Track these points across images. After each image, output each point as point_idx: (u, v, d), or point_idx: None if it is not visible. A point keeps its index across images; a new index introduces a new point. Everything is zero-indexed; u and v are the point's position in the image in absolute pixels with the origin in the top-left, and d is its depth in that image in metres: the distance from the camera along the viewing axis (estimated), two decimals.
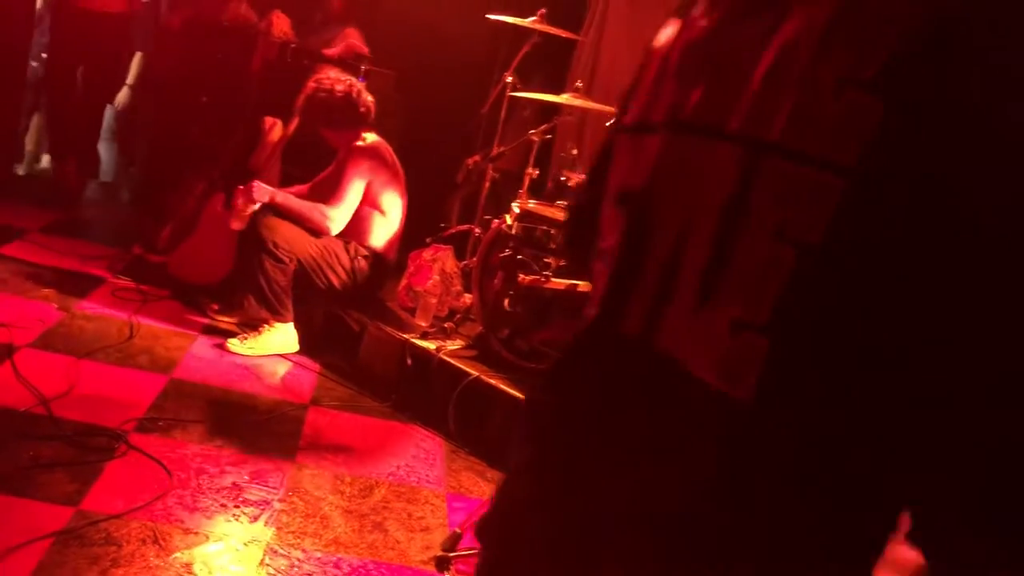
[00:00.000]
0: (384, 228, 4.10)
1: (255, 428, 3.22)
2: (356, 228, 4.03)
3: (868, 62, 0.75)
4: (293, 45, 5.07)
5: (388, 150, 4.18)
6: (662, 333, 0.87)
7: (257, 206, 3.90)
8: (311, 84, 4.07)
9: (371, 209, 4.05)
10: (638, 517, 0.87)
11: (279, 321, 3.91)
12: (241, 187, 3.93)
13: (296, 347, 4.00)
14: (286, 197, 3.95)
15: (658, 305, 0.88)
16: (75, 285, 4.11)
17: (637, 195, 0.94)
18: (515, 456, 1.05)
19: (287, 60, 4.96)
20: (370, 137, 4.14)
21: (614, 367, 0.95)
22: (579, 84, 4.07)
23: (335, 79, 4.08)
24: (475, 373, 3.46)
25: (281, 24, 5.21)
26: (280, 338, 3.93)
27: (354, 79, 4.20)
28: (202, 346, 3.84)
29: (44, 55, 5.75)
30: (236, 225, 3.94)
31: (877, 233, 0.74)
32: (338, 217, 3.93)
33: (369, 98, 4.11)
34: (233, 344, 3.87)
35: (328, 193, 4.01)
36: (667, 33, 0.99)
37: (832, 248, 0.75)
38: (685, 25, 0.96)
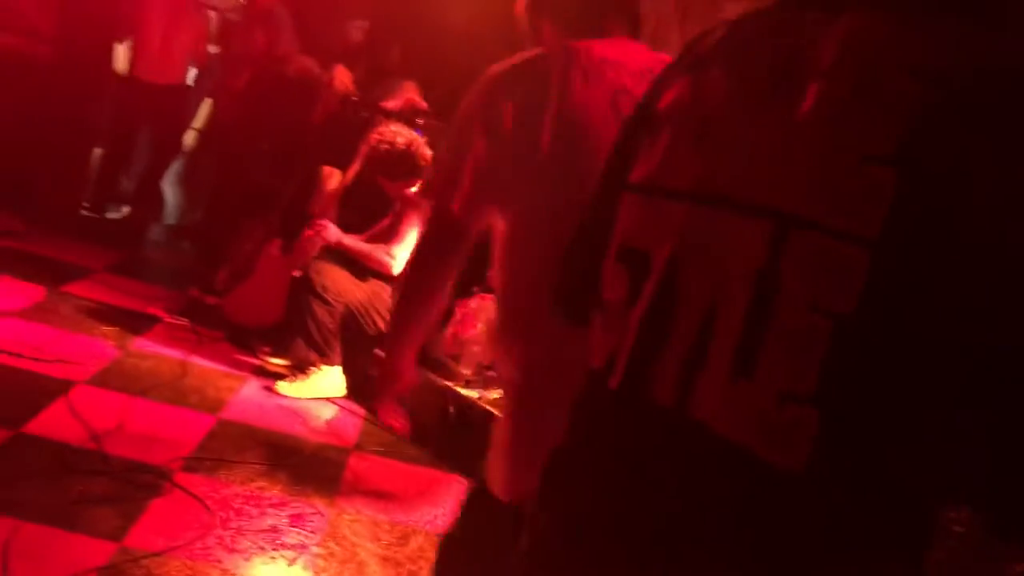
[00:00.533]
0: None
1: (298, 471, 3.26)
2: None
3: (885, 138, 0.79)
4: (354, 98, 5.23)
5: None
6: (696, 402, 0.88)
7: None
8: (374, 136, 4.19)
9: None
10: None
11: (326, 364, 3.98)
12: (311, 229, 4.06)
13: (343, 391, 4.05)
14: (352, 239, 4.10)
15: (690, 374, 0.89)
16: (133, 324, 4.24)
17: (658, 259, 0.95)
18: None
19: (347, 112, 5.11)
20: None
21: (641, 436, 0.95)
22: None
23: (397, 132, 4.20)
24: None
25: (343, 78, 5.38)
26: (327, 381, 4.00)
27: (414, 133, 4.31)
28: (252, 388, 3.92)
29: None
30: (298, 267, 4.07)
31: (908, 299, 0.77)
32: (400, 256, 4.04)
33: (428, 152, 4.21)
34: (281, 386, 3.94)
35: (386, 240, 4.12)
36: (679, 95, 1.00)
37: (866, 317, 0.78)
38: (701, 89, 0.98)
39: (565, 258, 1.17)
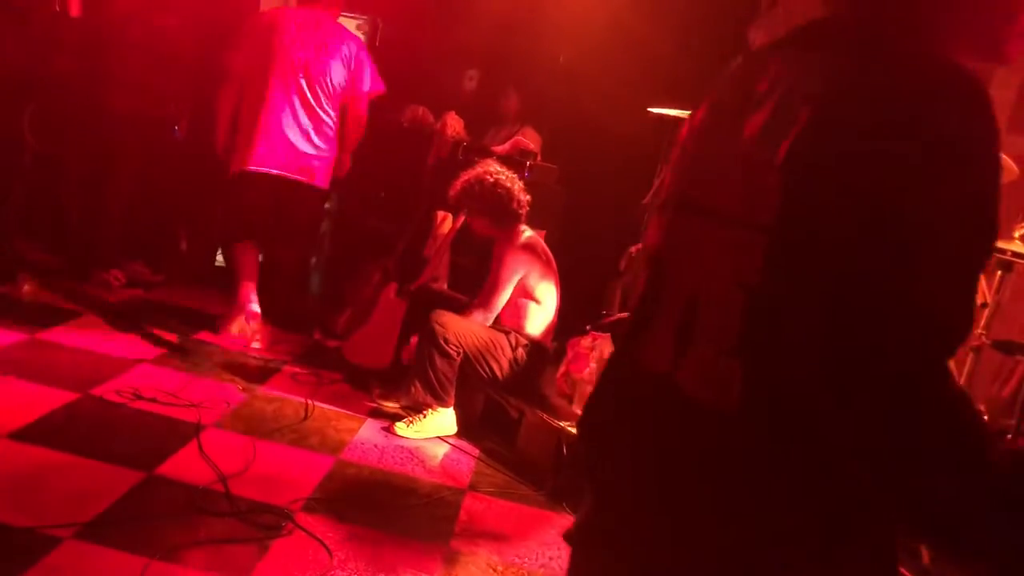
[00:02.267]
0: (540, 317, 4.18)
1: (414, 511, 3.30)
2: (514, 318, 4.14)
3: (778, 149, 1.03)
4: (465, 143, 5.34)
5: (541, 244, 4.29)
6: (681, 370, 1.12)
7: None
8: (470, 175, 4.26)
9: (527, 300, 4.15)
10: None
11: (442, 406, 4.04)
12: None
13: (455, 429, 4.10)
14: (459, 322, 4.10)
15: (678, 346, 1.13)
16: (259, 368, 4.43)
17: (655, 259, 1.23)
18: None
19: (459, 157, 5.23)
20: (526, 232, 4.27)
21: (633, 394, 1.21)
22: None
23: (487, 171, 4.25)
24: None
25: (455, 124, 5.52)
26: (442, 421, 4.06)
27: (511, 175, 4.34)
28: (369, 428, 4.01)
29: None
30: None
31: (794, 269, 1.01)
32: (493, 312, 4.12)
33: (525, 196, 4.24)
34: (400, 428, 4.02)
35: (485, 285, 4.16)
36: (686, 126, 1.27)
37: (767, 285, 1.03)
38: (692, 120, 1.25)
39: None
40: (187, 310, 5.11)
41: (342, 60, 4.73)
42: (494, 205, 4.20)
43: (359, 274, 5.24)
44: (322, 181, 4.89)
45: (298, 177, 4.74)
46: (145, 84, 5.10)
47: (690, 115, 1.27)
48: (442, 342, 3.96)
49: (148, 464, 3.14)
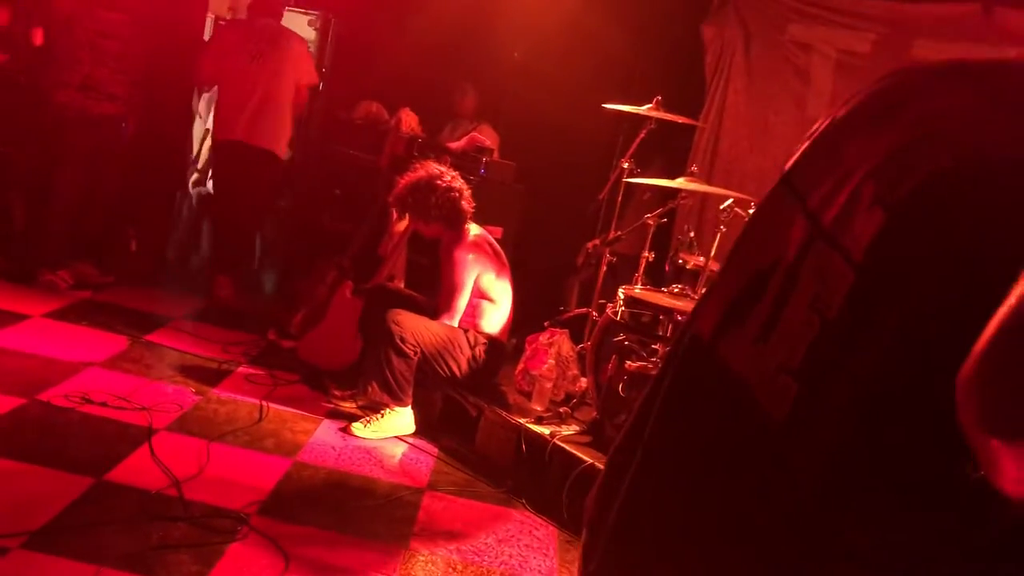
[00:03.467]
0: (496, 314, 4.17)
1: (372, 512, 3.27)
2: (471, 318, 4.12)
3: (898, 188, 0.95)
4: (420, 140, 5.31)
5: (489, 239, 4.27)
6: (725, 347, 1.09)
7: None
8: (415, 180, 4.17)
9: (481, 300, 4.13)
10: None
11: (399, 406, 4.01)
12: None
13: (413, 428, 4.07)
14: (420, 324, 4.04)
15: (725, 326, 1.10)
16: (212, 370, 4.35)
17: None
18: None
19: (414, 154, 5.19)
20: (473, 230, 4.23)
21: (687, 367, 1.17)
22: (694, 169, 4.06)
23: (442, 175, 4.18)
24: (589, 460, 3.42)
25: (409, 120, 5.48)
26: (399, 421, 4.02)
27: (455, 174, 4.27)
28: (326, 430, 3.96)
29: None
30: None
31: (873, 315, 0.93)
32: (457, 316, 4.07)
33: (464, 197, 4.16)
34: (356, 428, 3.97)
35: (441, 288, 4.12)
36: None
37: (842, 323, 0.96)
38: (841, 107, 1.14)
39: None
40: (137, 312, 5.00)
41: (291, 58, 5.47)
42: (449, 209, 4.15)
43: (314, 273, 5.18)
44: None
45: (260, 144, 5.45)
46: (91, 81, 4.97)
47: (837, 106, 1.18)
48: (399, 341, 3.93)
49: (98, 469, 3.06)
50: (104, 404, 3.60)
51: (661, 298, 3.54)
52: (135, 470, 3.14)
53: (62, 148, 5.01)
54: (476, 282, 4.11)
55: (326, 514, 3.16)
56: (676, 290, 3.66)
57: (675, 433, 1.13)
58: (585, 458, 3.44)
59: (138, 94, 5.24)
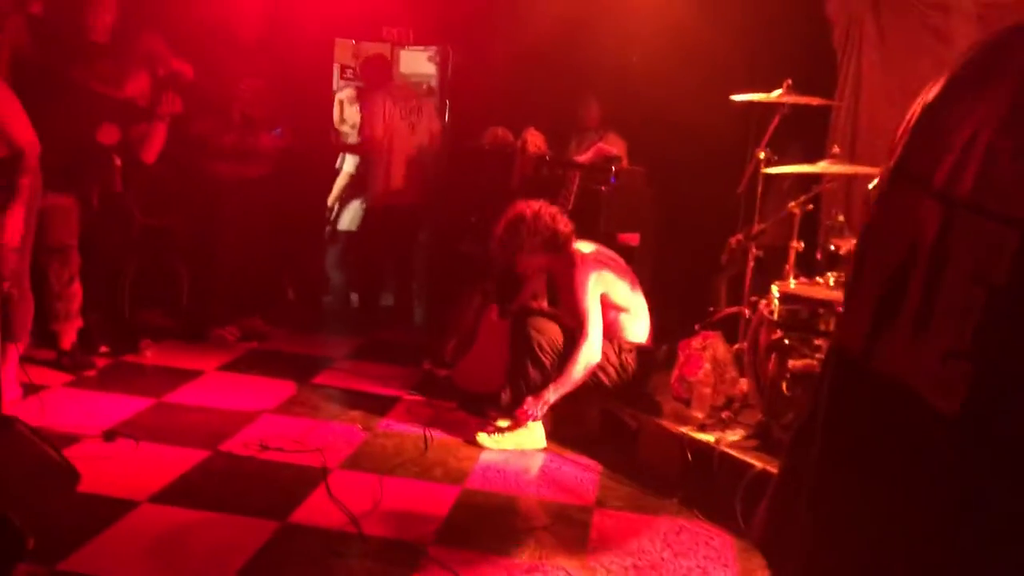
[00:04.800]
0: (635, 323, 4.12)
1: (545, 533, 3.28)
2: (611, 333, 4.07)
3: None
4: (548, 157, 5.33)
5: (603, 251, 4.20)
6: (880, 355, 1.05)
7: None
8: (504, 223, 4.12)
9: (616, 312, 4.08)
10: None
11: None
12: (521, 411, 4.02)
13: (544, 443, 4.06)
14: (557, 389, 3.99)
15: (876, 331, 1.05)
16: (375, 405, 4.50)
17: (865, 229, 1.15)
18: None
19: (543, 172, 5.22)
20: (583, 248, 4.14)
21: (840, 384, 1.13)
22: (836, 150, 3.89)
23: (526, 208, 4.11)
24: (760, 465, 3.31)
25: (535, 140, 5.51)
26: (527, 435, 4.01)
27: (540, 201, 4.21)
28: (491, 454, 4.01)
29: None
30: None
31: None
32: (596, 344, 3.97)
33: (550, 218, 4.09)
34: (481, 438, 4.01)
35: (571, 316, 4.07)
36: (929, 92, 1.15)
37: (1015, 287, 0.91)
38: (931, 88, 1.14)
39: None
40: (301, 356, 5.25)
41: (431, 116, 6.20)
42: (546, 235, 4.07)
43: (460, 300, 5.28)
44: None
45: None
46: (243, 147, 5.29)
47: (926, 90, 1.16)
48: (536, 348, 3.93)
49: (282, 513, 3.21)
50: (280, 449, 3.78)
51: (818, 290, 3.40)
52: (315, 510, 3.27)
53: (219, 213, 5.34)
54: (605, 298, 4.05)
55: (499, 539, 3.20)
56: (833, 280, 3.50)
57: (845, 467, 1.08)
58: (755, 463, 3.34)
59: (283, 151, 5.54)
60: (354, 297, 6.70)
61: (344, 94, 7.42)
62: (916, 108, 1.12)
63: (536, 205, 4.15)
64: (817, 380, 1.21)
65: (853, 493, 1.08)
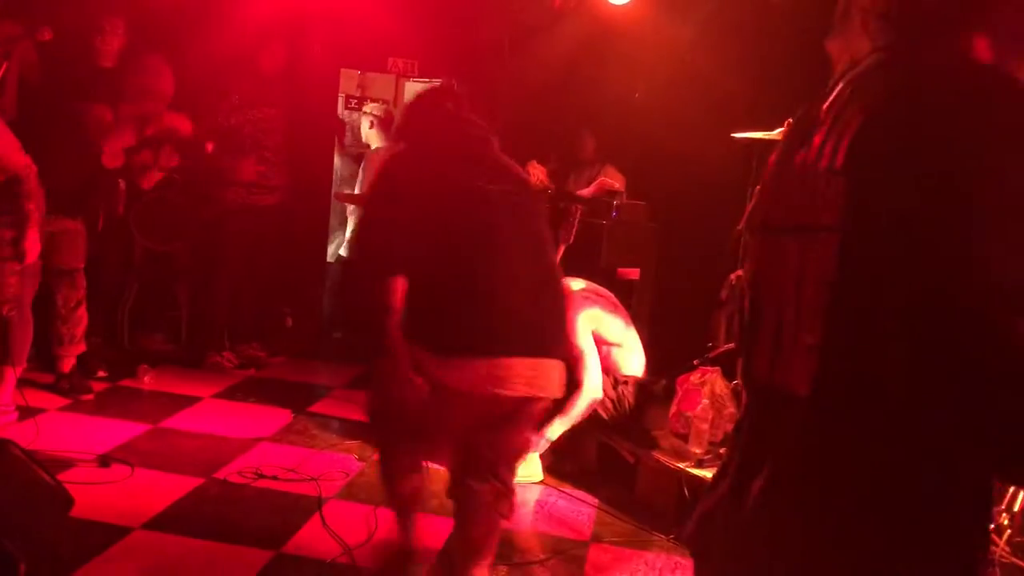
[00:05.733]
0: (628, 357, 4.12)
1: (540, 568, 3.26)
2: (605, 367, 4.06)
3: (836, 158, 1.14)
4: (550, 191, 5.36)
5: (590, 286, 4.19)
6: (777, 372, 1.23)
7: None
8: None
9: (608, 347, 4.08)
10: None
11: None
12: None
13: (541, 476, 4.04)
14: (559, 424, 3.95)
15: (773, 353, 1.24)
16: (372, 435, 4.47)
17: (752, 282, 1.33)
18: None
19: (545, 205, 5.24)
20: (574, 285, 4.12)
21: (757, 411, 1.31)
22: None
23: None
24: None
25: (537, 173, 5.53)
26: (524, 467, 3.96)
27: None
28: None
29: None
30: None
31: (868, 264, 1.10)
32: (596, 382, 3.96)
33: None
34: None
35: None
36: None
37: (843, 283, 1.12)
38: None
39: None
40: (298, 384, 5.24)
41: None
42: None
43: None
44: None
45: None
46: (256, 176, 5.32)
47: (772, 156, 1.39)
48: None
49: (276, 542, 3.19)
50: (275, 478, 3.77)
51: None
52: (310, 540, 3.25)
53: (223, 239, 5.36)
54: (596, 335, 4.04)
55: (494, 572, 3.17)
56: None
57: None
58: None
59: (291, 181, 5.57)
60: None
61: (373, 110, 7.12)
62: (767, 175, 1.34)
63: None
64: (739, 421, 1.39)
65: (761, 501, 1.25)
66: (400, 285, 2.64)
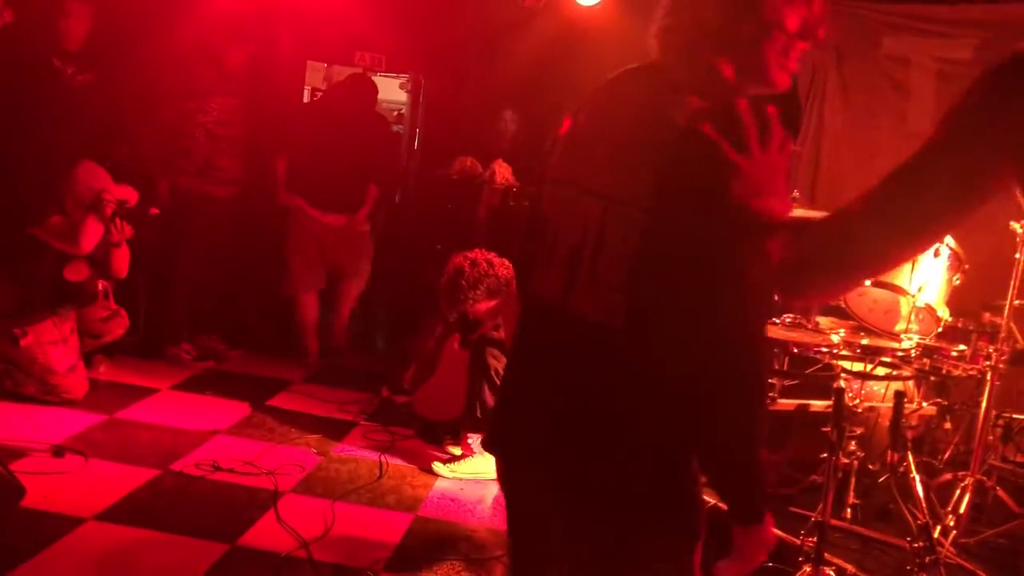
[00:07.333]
0: None
1: (496, 563, 3.27)
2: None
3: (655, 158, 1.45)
4: (515, 189, 5.38)
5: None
6: (572, 299, 1.52)
7: None
8: (448, 276, 4.17)
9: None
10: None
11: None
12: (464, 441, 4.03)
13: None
14: None
15: (566, 281, 1.53)
16: (331, 430, 4.46)
17: (541, 218, 1.65)
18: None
19: (510, 203, 5.26)
20: None
21: (539, 324, 1.63)
22: (796, 194, 3.98)
23: (464, 257, 4.17)
24: (711, 501, 3.33)
25: (503, 171, 5.56)
26: (483, 463, 4.01)
27: (468, 254, 4.25)
28: (446, 482, 3.99)
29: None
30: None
31: (662, 241, 1.41)
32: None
33: (487, 264, 4.14)
34: (437, 466, 4.01)
35: None
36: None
37: (643, 251, 1.43)
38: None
39: None
40: (258, 378, 5.19)
41: None
42: (488, 284, 4.11)
43: (423, 328, 5.27)
44: None
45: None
46: (209, 166, 5.25)
47: (573, 114, 1.72)
48: (493, 375, 3.94)
49: (230, 536, 3.17)
50: (232, 470, 3.73)
51: (775, 331, 3.45)
52: (266, 534, 3.23)
53: (183, 230, 5.29)
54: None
55: (450, 568, 3.18)
56: (788, 320, 3.56)
57: (533, 380, 1.62)
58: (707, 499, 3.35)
59: (248, 173, 5.50)
60: None
61: None
62: (571, 134, 1.69)
63: (472, 255, 4.19)
64: (518, 326, 1.69)
65: (535, 399, 1.61)
66: None
